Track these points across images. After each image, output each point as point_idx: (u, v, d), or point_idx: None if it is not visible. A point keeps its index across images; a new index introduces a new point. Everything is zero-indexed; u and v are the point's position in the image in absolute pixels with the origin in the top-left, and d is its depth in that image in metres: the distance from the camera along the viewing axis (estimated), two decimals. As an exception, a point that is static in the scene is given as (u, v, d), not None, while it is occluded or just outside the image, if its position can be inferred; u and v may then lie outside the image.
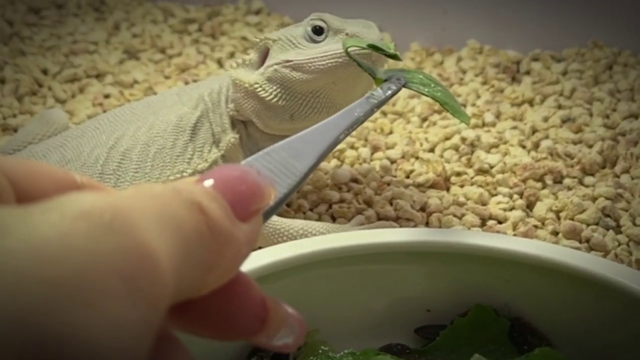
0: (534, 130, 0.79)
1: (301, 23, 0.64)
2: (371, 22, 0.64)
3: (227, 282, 0.26)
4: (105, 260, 0.20)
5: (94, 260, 0.20)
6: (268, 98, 0.63)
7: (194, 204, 0.24)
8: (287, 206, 0.70)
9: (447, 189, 0.73)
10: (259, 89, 0.63)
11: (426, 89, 0.51)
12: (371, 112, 0.44)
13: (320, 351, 0.49)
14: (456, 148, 0.77)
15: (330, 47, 0.61)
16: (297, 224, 0.63)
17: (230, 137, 0.65)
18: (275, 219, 0.62)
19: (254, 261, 0.49)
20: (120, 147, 0.64)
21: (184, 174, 0.64)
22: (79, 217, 0.21)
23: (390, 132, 0.80)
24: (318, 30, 0.63)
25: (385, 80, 0.50)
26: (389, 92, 0.48)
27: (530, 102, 0.84)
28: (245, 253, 0.26)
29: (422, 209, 0.70)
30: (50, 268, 0.19)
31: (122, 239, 0.21)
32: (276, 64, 0.63)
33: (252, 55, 0.65)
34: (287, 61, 0.62)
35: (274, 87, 0.63)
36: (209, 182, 0.26)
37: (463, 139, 0.78)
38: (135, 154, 0.64)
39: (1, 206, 0.21)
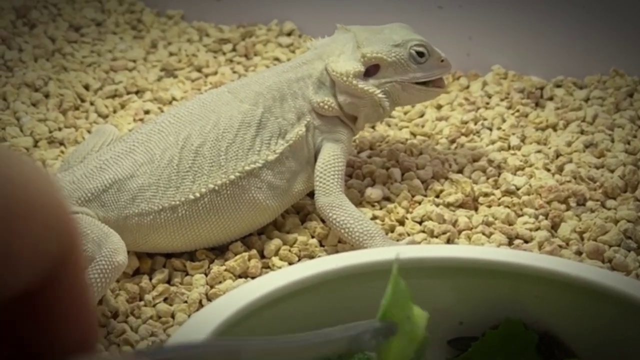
0: (558, 154, 0.82)
1: (397, 39, 0.76)
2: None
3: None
4: None
5: None
6: (382, 109, 0.75)
7: None
8: (322, 222, 0.73)
9: (476, 209, 0.76)
10: (383, 101, 0.75)
11: None
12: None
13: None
14: (484, 170, 0.80)
15: (433, 72, 0.77)
16: (357, 228, 0.68)
17: (298, 129, 0.72)
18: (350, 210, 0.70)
19: (292, 274, 0.52)
20: (191, 146, 0.69)
21: (257, 164, 0.70)
22: None
23: (420, 154, 0.83)
24: (421, 54, 0.76)
25: None
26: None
27: (554, 127, 0.87)
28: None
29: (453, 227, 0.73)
30: None
31: None
32: (393, 81, 0.75)
33: (361, 68, 0.74)
34: (402, 81, 0.76)
35: (387, 100, 0.75)
36: None
37: (490, 162, 0.81)
38: (207, 150, 0.69)
39: None
